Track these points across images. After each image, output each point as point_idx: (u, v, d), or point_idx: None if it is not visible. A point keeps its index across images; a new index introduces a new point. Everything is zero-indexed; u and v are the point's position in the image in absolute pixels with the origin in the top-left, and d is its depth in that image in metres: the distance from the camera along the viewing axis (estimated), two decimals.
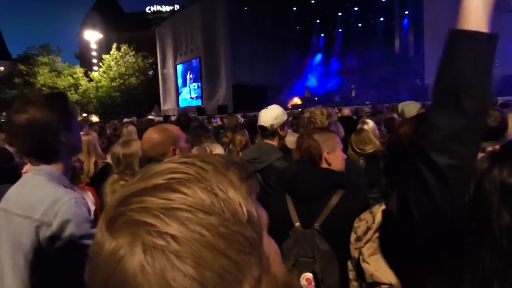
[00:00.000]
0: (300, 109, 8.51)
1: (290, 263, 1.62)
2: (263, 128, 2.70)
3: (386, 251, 1.13)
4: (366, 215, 1.28)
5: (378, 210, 1.22)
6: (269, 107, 2.80)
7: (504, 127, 2.88)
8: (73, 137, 1.37)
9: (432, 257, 0.78)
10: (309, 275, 1.60)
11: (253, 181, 0.46)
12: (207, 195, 0.40)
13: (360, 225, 1.28)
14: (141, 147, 1.89)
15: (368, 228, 1.22)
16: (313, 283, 1.59)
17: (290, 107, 16.70)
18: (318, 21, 21.25)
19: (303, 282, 1.61)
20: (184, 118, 6.45)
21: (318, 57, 22.65)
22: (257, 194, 0.46)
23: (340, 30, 21.20)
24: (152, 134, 1.83)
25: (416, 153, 0.85)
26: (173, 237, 0.37)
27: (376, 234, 1.19)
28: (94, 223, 1.25)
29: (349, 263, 1.34)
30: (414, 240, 0.87)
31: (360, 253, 1.20)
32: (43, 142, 1.27)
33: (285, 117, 2.75)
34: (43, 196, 1.22)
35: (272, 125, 2.69)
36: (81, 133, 4.21)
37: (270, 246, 0.47)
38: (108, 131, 6.61)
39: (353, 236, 1.29)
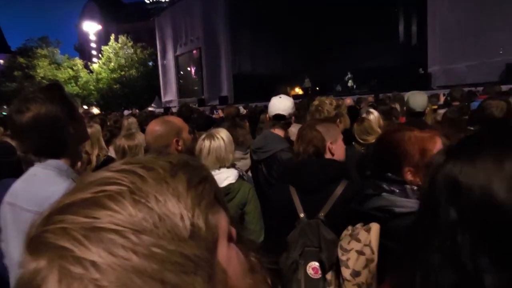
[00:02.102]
0: (301, 100, 8.49)
1: (297, 253, 1.64)
2: (280, 116, 2.67)
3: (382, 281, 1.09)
4: (352, 244, 1.22)
5: (371, 238, 1.16)
6: (281, 96, 2.79)
7: (510, 116, 2.87)
8: (79, 127, 1.34)
9: None
10: (316, 264, 1.61)
11: (206, 185, 0.42)
12: (138, 210, 0.35)
13: (349, 258, 1.20)
14: (145, 139, 1.88)
15: (369, 261, 1.16)
16: (319, 272, 1.60)
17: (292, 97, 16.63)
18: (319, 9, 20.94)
19: (309, 271, 1.62)
20: (186, 109, 6.42)
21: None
22: (211, 200, 0.42)
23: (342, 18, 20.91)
24: (155, 126, 1.84)
25: None
26: (93, 263, 0.32)
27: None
28: None
29: None
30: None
31: None
32: (53, 137, 1.24)
33: (294, 108, 2.78)
34: (51, 192, 1.18)
35: (290, 114, 2.70)
36: None
37: (230, 256, 0.43)
38: (108, 123, 6.60)
39: (346, 272, 1.22)
